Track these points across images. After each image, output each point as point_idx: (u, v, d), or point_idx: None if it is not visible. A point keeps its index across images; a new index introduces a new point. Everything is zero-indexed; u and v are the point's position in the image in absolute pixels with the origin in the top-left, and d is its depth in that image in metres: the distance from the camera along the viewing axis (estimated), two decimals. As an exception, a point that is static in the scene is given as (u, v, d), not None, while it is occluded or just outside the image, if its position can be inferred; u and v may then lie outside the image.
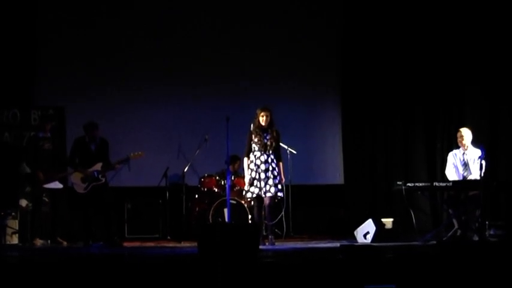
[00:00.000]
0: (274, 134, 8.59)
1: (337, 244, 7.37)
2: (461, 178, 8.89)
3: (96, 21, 10.64)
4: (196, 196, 10.06)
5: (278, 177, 8.55)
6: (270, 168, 8.52)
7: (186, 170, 10.05)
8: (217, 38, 10.96)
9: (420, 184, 8.80)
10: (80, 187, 9.07)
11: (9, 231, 9.26)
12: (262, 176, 8.49)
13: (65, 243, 9.31)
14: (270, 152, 8.55)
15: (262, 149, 8.53)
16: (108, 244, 8.92)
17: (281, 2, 11.21)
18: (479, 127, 9.84)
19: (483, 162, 8.28)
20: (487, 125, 10.26)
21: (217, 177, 10.00)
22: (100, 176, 9.07)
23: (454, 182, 8.73)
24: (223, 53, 10.92)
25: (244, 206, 9.52)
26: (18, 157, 9.61)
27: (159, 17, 10.81)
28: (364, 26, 11.06)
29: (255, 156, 8.55)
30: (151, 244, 9.21)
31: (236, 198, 9.52)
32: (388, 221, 9.12)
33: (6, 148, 9.84)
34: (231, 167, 9.62)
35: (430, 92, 10.80)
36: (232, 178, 9.77)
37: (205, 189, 10.00)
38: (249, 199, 9.06)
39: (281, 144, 9.03)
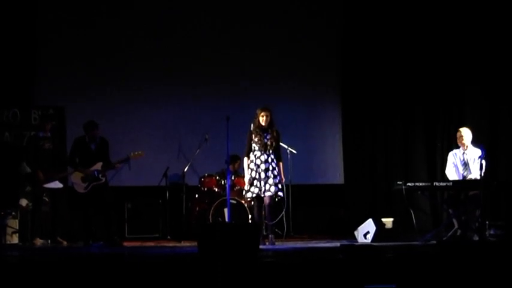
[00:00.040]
0: (275, 134, 8.59)
1: (337, 244, 7.37)
2: (461, 178, 8.89)
3: (96, 21, 10.64)
4: (197, 196, 10.06)
5: (278, 177, 8.55)
6: (270, 168, 8.52)
7: (186, 169, 10.05)
8: (217, 38, 10.97)
9: (420, 184, 8.80)
10: (80, 187, 9.07)
11: (9, 230, 9.26)
12: (262, 175, 8.49)
13: (65, 242, 9.31)
14: (270, 151, 8.55)
15: (262, 149, 8.53)
16: (108, 244, 8.92)
17: (281, 2, 11.22)
18: (479, 127, 9.83)
19: (483, 162, 8.28)
20: (487, 125, 10.26)
21: (217, 177, 10.00)
22: (100, 175, 9.07)
23: (454, 181, 8.74)
24: (223, 53, 10.92)
25: (244, 206, 9.52)
26: (18, 157, 9.62)
27: (159, 17, 10.81)
28: (364, 26, 11.07)
29: (255, 156, 8.56)
30: (152, 244, 9.21)
31: (236, 198, 9.52)
32: (388, 221, 9.12)
33: (6, 148, 9.84)
34: (231, 167, 9.62)
35: (430, 92, 10.81)
36: (233, 178, 9.77)
37: (206, 189, 10.00)
38: (249, 199, 9.06)
39: (281, 144, 9.03)
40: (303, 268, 6.24)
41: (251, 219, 9.37)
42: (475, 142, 8.96)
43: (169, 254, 7.93)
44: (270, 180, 8.47)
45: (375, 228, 8.91)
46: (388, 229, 9.07)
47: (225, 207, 9.15)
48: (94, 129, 9.12)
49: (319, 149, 11.30)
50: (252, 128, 8.62)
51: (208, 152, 10.22)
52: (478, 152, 8.71)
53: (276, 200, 8.67)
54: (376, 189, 11.00)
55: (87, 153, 9.12)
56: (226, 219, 9.08)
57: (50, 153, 9.31)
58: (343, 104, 11.28)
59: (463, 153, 8.98)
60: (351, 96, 11.18)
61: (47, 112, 10.00)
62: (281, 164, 8.69)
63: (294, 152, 10.23)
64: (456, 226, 8.79)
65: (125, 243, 9.12)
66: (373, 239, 8.84)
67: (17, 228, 9.33)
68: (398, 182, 8.75)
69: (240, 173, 9.86)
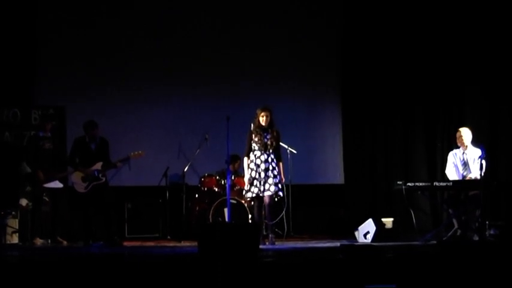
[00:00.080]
0: (275, 134, 8.60)
1: (337, 244, 7.37)
2: (461, 178, 8.89)
3: (96, 21, 10.64)
4: (197, 196, 10.06)
5: (278, 177, 8.55)
6: (270, 167, 8.52)
7: (186, 169, 10.05)
8: (217, 38, 10.97)
9: (420, 184, 8.80)
10: (80, 186, 9.07)
11: (9, 230, 9.25)
12: (262, 175, 8.49)
13: (65, 242, 9.31)
14: (270, 151, 8.55)
15: (263, 149, 8.53)
16: (108, 244, 8.91)
17: (281, 2, 11.22)
18: (479, 127, 9.84)
19: (483, 162, 8.28)
20: (487, 125, 10.26)
21: (217, 177, 10.00)
22: (100, 175, 9.07)
23: (454, 181, 8.74)
24: (223, 53, 10.92)
25: (244, 206, 9.52)
26: (18, 157, 9.61)
27: (159, 17, 10.81)
28: (364, 26, 11.07)
29: (255, 155, 8.56)
30: (152, 244, 9.21)
31: (236, 197, 9.52)
32: (388, 221, 9.13)
33: (6, 148, 9.84)
34: (231, 167, 9.62)
35: (430, 92, 10.81)
36: (233, 178, 9.77)
37: (206, 189, 10.00)
38: (248, 199, 9.06)
39: (281, 144, 9.03)
40: (303, 268, 6.24)
41: (251, 219, 9.37)
42: (475, 142, 8.96)
43: (170, 254, 7.93)
44: (270, 180, 8.47)
45: (374, 228, 8.91)
46: (388, 229, 9.07)
47: (225, 207, 9.15)
48: (94, 128, 9.12)
49: (319, 149, 11.30)
50: (252, 128, 8.62)
51: (208, 152, 10.22)
52: (478, 152, 8.71)
53: (276, 199, 8.67)
54: (376, 189, 11.00)
55: (87, 153, 9.12)
56: (226, 219, 9.08)
57: (50, 153, 9.31)
58: (343, 104, 11.28)
59: (463, 153, 8.99)
60: (351, 96, 11.18)
61: (47, 112, 10.00)
62: (281, 164, 8.70)
63: (294, 152, 10.23)
64: (456, 226, 8.79)
65: (125, 243, 9.12)
66: (373, 239, 8.84)
67: (17, 228, 9.33)
68: (398, 182, 8.75)
69: (240, 173, 9.85)
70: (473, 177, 8.79)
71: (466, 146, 8.95)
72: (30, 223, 9.34)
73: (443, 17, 10.64)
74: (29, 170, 9.38)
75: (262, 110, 8.57)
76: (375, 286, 5.78)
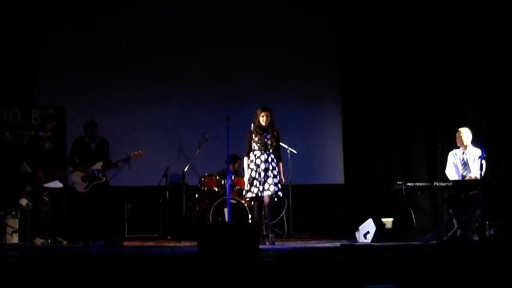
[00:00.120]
0: (275, 134, 8.60)
1: (337, 244, 7.38)
2: (460, 177, 8.89)
3: (96, 21, 10.64)
4: (197, 196, 10.06)
5: (278, 177, 8.55)
6: (270, 167, 8.52)
7: (186, 169, 10.05)
8: (217, 38, 10.97)
9: (420, 184, 8.80)
10: (80, 186, 9.07)
11: (9, 230, 9.26)
12: (262, 175, 8.49)
13: (65, 242, 9.32)
14: (271, 151, 8.55)
15: (263, 149, 8.53)
16: (108, 243, 8.91)
17: (281, 2, 11.22)
18: (479, 127, 9.84)
19: (483, 162, 8.28)
20: (487, 125, 10.26)
21: (217, 177, 10.00)
22: (100, 175, 9.07)
23: (454, 181, 8.74)
24: (223, 53, 10.92)
25: (244, 206, 9.52)
26: (18, 157, 9.61)
27: (159, 17, 10.81)
28: (364, 26, 11.07)
29: (255, 155, 8.56)
30: (152, 243, 9.21)
31: (236, 197, 9.52)
32: (388, 221, 9.12)
33: (6, 148, 9.84)
34: (231, 167, 9.62)
35: (430, 92, 10.81)
36: (233, 178, 9.77)
37: (206, 189, 10.00)
38: (248, 199, 9.06)
39: (281, 144, 9.03)
40: (303, 268, 6.24)
41: (251, 219, 9.37)
42: (475, 142, 8.96)
43: (170, 254, 7.93)
44: (270, 180, 8.47)
45: (374, 228, 8.91)
46: (388, 229, 9.07)
47: (225, 207, 9.16)
48: (94, 128, 9.12)
49: (319, 149, 11.30)
50: (252, 128, 8.62)
51: (209, 152, 10.22)
52: (478, 152, 8.71)
53: (276, 199, 8.67)
54: (376, 189, 11.00)
55: (87, 153, 9.12)
56: (226, 219, 9.08)
57: (50, 153, 9.31)
58: (343, 104, 11.28)
59: (463, 153, 8.99)
60: (351, 96, 11.18)
61: (47, 112, 10.00)
62: (281, 164, 8.69)
63: (294, 152, 10.23)
64: (456, 226, 8.79)
65: (125, 243, 9.12)
66: (373, 239, 8.84)
67: (17, 227, 9.33)
68: (398, 182, 8.75)
69: (240, 173, 9.85)
70: (473, 177, 8.79)
71: (466, 146, 8.95)
72: (30, 223, 9.34)
73: (443, 17, 10.64)
74: (29, 170, 9.38)
75: (263, 110, 8.57)
76: (375, 286, 5.78)
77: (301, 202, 10.43)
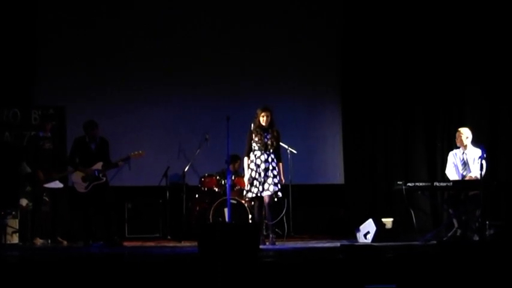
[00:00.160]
0: (275, 134, 8.59)
1: (337, 244, 7.38)
2: (460, 177, 8.90)
3: (96, 21, 10.64)
4: (197, 196, 10.06)
5: (278, 177, 8.55)
6: (270, 167, 8.52)
7: (186, 169, 10.05)
8: (217, 38, 10.97)
9: (420, 184, 8.81)
10: (81, 186, 9.07)
11: (9, 230, 9.25)
12: (262, 175, 8.49)
13: (65, 242, 9.32)
14: (271, 151, 8.55)
15: (263, 149, 8.53)
16: (108, 244, 8.91)
17: (281, 2, 11.22)
18: (479, 127, 9.84)
19: (483, 162, 8.28)
20: (487, 125, 10.26)
21: (217, 177, 10.00)
22: (101, 175, 9.07)
23: (454, 181, 8.75)
24: (223, 53, 10.92)
25: (244, 206, 9.52)
26: (18, 157, 9.61)
27: (159, 17, 10.81)
28: (364, 26, 11.07)
29: (255, 155, 8.55)
30: (152, 244, 9.21)
31: (236, 197, 9.52)
32: (388, 221, 9.13)
33: (6, 148, 9.84)
34: (231, 167, 9.63)
35: (430, 92, 10.80)
36: (233, 178, 9.77)
37: (206, 189, 10.00)
38: (248, 199, 9.05)
39: (281, 144, 9.03)
40: (303, 268, 6.24)
41: (251, 219, 9.37)
42: (475, 142, 8.96)
43: (170, 254, 7.93)
44: (269, 180, 8.46)
45: (375, 228, 8.91)
46: (388, 229, 9.07)
47: (225, 207, 9.16)
48: (94, 128, 9.12)
49: (319, 149, 11.30)
50: (252, 128, 8.62)
51: (209, 152, 10.22)
52: (478, 151, 8.71)
53: (276, 199, 8.67)
54: (376, 189, 11.00)
55: (87, 153, 9.12)
56: (227, 219, 9.08)
57: (50, 153, 9.31)
58: (343, 104, 11.28)
59: (463, 153, 8.99)
60: (351, 96, 11.18)
61: (47, 112, 10.00)
62: (281, 164, 8.69)
63: (294, 152, 10.23)
64: (456, 226, 8.79)
65: (125, 243, 9.12)
66: (373, 239, 8.84)
67: (17, 228, 9.33)
68: (398, 182, 8.76)
69: (240, 173, 9.85)
70: (473, 177, 8.79)
71: (466, 146, 8.96)
72: (30, 223, 9.35)
73: (443, 17, 10.63)
74: (29, 170, 9.38)
75: (263, 110, 8.57)
76: (375, 286, 5.78)
77: (301, 202, 10.43)
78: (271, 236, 8.61)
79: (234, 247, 6.23)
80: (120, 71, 10.65)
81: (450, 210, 9.07)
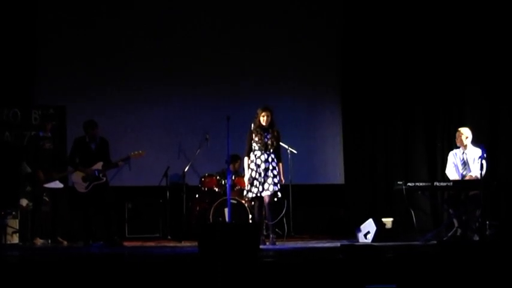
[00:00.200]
0: (275, 134, 8.60)
1: (338, 244, 7.37)
2: (460, 177, 8.90)
3: (96, 21, 10.64)
4: (197, 196, 10.06)
5: (278, 177, 8.55)
6: (270, 167, 8.52)
7: (186, 169, 10.05)
8: (217, 38, 10.97)
9: (420, 184, 8.80)
10: (81, 186, 9.07)
11: (9, 230, 9.25)
12: (262, 175, 8.49)
13: (65, 242, 9.32)
14: (271, 151, 8.55)
15: (263, 149, 8.53)
16: (108, 244, 8.91)
17: (281, 2, 11.22)
18: (479, 127, 9.84)
19: (483, 162, 8.28)
20: (487, 125, 10.26)
21: (217, 177, 10.00)
22: (101, 175, 9.07)
23: (454, 181, 8.75)
24: (223, 53, 10.93)
25: (244, 206, 9.52)
26: (18, 157, 9.62)
27: (159, 17, 10.81)
28: (364, 26, 11.07)
29: (255, 155, 8.55)
30: (152, 244, 9.21)
31: (237, 197, 9.52)
32: (388, 221, 9.13)
33: (6, 148, 9.84)
34: (231, 167, 9.63)
35: (430, 92, 10.81)
36: (233, 178, 9.77)
37: (206, 189, 10.00)
38: (249, 199, 9.06)
39: (281, 144, 9.03)
40: (303, 268, 6.24)
41: (251, 219, 9.37)
42: (475, 142, 8.96)
43: (170, 254, 7.93)
44: (269, 180, 8.46)
45: (375, 228, 8.92)
46: (388, 229, 9.07)
47: (226, 207, 9.16)
48: (94, 128, 9.12)
49: (319, 149, 11.31)
50: (252, 128, 8.62)
51: (209, 152, 10.23)
52: (478, 151, 8.71)
53: (275, 199, 8.67)
54: (376, 189, 11.00)
55: (87, 153, 9.12)
56: (227, 219, 9.08)
57: (50, 153, 9.31)
58: (343, 104, 11.29)
59: (463, 153, 8.99)
60: (351, 96, 11.18)
61: (47, 112, 10.00)
62: (281, 164, 8.68)
63: (294, 152, 10.24)
64: (456, 226, 8.79)
65: (125, 243, 9.12)
66: (374, 239, 8.84)
67: (17, 228, 9.33)
68: (398, 182, 8.75)
69: (240, 173, 9.86)
70: (473, 177, 8.79)
71: (466, 146, 8.96)
72: (30, 223, 9.34)
73: (443, 17, 10.64)
74: (29, 170, 9.38)
75: (263, 110, 8.57)
76: (375, 286, 5.78)
77: (301, 202, 10.43)
78: (271, 236, 8.61)
79: (234, 247, 6.23)
80: (120, 71, 10.65)
81: (450, 210, 9.07)
